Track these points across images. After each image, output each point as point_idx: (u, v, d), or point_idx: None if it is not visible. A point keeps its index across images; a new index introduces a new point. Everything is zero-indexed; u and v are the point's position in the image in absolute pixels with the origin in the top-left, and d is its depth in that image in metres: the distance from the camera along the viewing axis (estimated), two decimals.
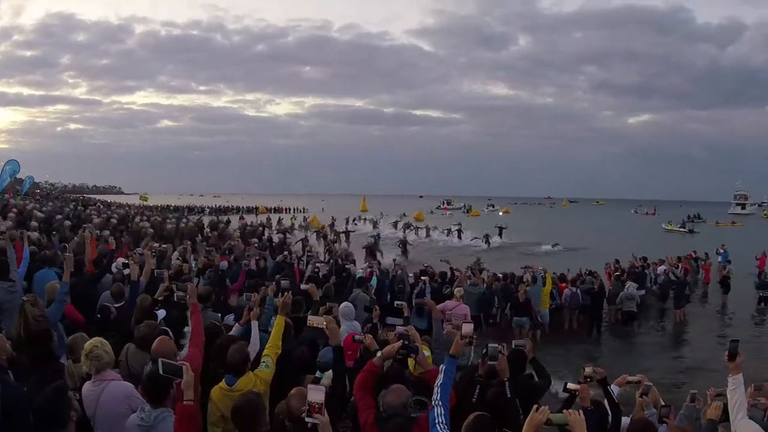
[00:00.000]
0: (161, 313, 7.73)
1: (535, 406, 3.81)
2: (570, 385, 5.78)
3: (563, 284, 18.74)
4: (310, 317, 5.92)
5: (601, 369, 5.98)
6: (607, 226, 68.17)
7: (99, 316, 7.71)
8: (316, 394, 3.71)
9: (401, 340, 5.23)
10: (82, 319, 7.66)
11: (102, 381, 4.87)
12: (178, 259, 13.68)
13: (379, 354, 5.19)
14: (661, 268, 22.30)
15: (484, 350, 5.89)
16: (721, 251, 29.32)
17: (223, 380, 5.42)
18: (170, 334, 6.43)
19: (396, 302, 9.20)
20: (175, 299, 7.19)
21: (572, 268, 21.44)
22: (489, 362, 5.76)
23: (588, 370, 5.95)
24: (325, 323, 5.56)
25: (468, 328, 5.15)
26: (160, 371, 3.95)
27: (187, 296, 6.68)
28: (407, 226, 47.53)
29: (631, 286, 18.53)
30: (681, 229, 65.40)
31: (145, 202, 68.07)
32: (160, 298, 8.33)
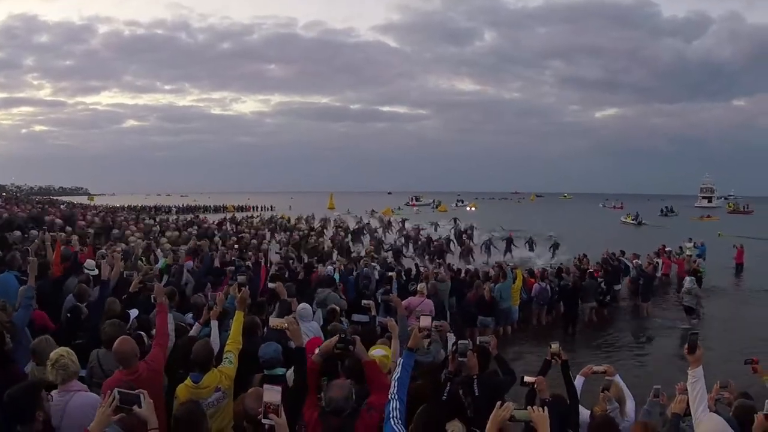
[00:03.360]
0: (134, 312, 7.79)
1: (498, 403, 3.82)
2: (527, 378, 5.78)
3: (532, 279, 18.71)
4: (271, 319, 5.90)
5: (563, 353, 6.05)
6: (577, 219, 68.48)
7: (69, 315, 7.74)
8: (271, 395, 3.71)
9: (337, 334, 5.24)
10: (53, 327, 7.56)
11: (68, 392, 4.84)
12: (141, 258, 13.70)
13: (317, 351, 5.20)
14: (635, 262, 22.26)
15: (454, 347, 5.98)
16: (698, 244, 29.46)
17: (189, 378, 5.49)
18: (144, 335, 6.63)
19: (363, 301, 9.26)
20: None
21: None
22: (459, 359, 5.82)
23: (554, 346, 6.07)
24: (286, 324, 5.46)
25: (426, 321, 5.20)
26: (117, 403, 3.72)
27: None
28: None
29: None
30: (632, 222, 66.73)
31: (92, 203, 67.40)
32: (134, 290, 8.47)
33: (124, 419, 3.80)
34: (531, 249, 36.39)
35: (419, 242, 34.26)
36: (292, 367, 5.56)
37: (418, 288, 12.46)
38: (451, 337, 7.96)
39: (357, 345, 5.04)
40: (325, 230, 36.41)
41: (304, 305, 8.96)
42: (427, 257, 30.23)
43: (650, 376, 12.25)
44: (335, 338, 5.09)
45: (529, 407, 3.82)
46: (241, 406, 4.80)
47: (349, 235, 36.19)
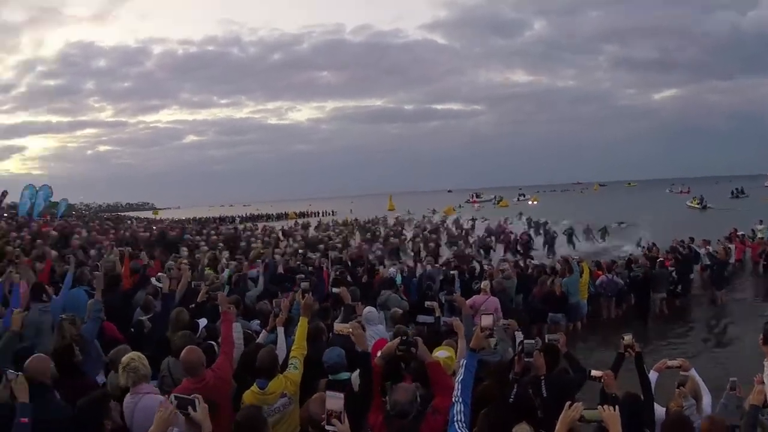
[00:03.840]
0: (202, 322, 7.87)
1: (568, 403, 3.80)
2: (594, 372, 5.73)
3: (599, 271, 18.18)
4: (336, 324, 6.01)
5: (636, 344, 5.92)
6: (644, 206, 66.44)
7: (133, 330, 7.90)
8: (334, 402, 3.73)
9: (399, 337, 5.21)
10: (122, 338, 7.68)
11: (137, 394, 5.01)
12: (207, 266, 13.85)
13: (379, 353, 5.14)
14: (706, 248, 21.67)
15: (520, 346, 5.80)
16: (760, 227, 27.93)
17: (255, 384, 5.55)
18: (215, 345, 6.64)
19: (426, 302, 9.16)
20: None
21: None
22: (525, 359, 5.63)
23: (627, 338, 5.97)
24: (350, 329, 5.58)
25: (487, 320, 5.06)
26: (174, 405, 3.82)
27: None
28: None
29: None
30: (697, 206, 64.41)
31: (156, 216, 68.47)
32: (202, 300, 8.66)
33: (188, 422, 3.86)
34: (603, 239, 35.61)
35: (501, 237, 33.53)
36: (357, 371, 5.57)
37: (481, 286, 12.31)
38: (519, 335, 7.73)
39: (419, 347, 4.98)
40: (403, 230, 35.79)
41: (370, 309, 8.94)
42: (509, 253, 29.64)
43: (727, 368, 11.65)
44: (397, 340, 5.04)
45: (599, 407, 3.78)
46: (307, 411, 4.77)
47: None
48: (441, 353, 6.17)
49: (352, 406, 4.11)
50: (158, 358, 6.42)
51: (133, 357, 5.20)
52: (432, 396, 4.89)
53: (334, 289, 9.98)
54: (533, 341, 5.91)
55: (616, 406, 3.74)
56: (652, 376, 6.07)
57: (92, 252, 15.65)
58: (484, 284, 12.43)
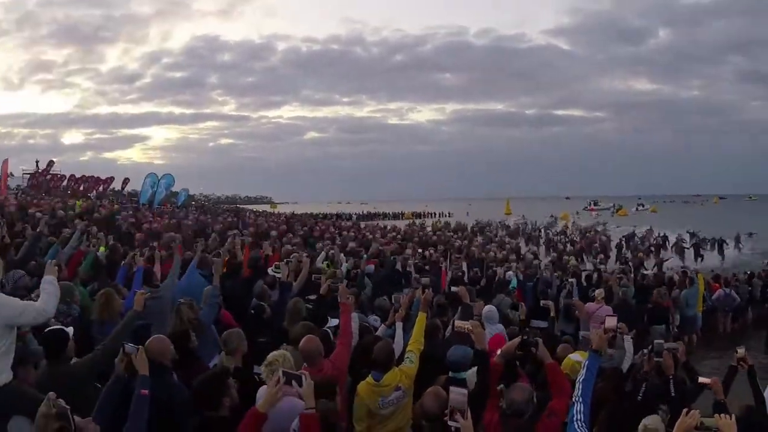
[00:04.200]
0: (333, 321, 7.59)
1: (685, 410, 3.80)
2: (701, 379, 5.73)
3: (717, 284, 17.76)
4: (457, 321, 6.05)
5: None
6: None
7: (253, 312, 8.00)
8: (458, 398, 3.71)
9: (520, 335, 5.29)
10: (238, 326, 7.67)
11: None
12: (324, 262, 13.87)
13: (498, 352, 5.16)
14: None
15: (650, 346, 5.93)
16: None
17: (370, 376, 5.51)
18: (330, 333, 6.72)
19: (542, 302, 9.01)
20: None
21: None
22: (655, 359, 5.78)
23: (740, 351, 5.89)
24: (470, 327, 5.54)
25: (611, 321, 5.38)
26: (282, 378, 4.02)
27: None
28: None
29: None
30: None
31: (273, 210, 70.04)
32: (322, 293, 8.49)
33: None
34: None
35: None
36: (472, 369, 5.65)
37: (596, 294, 11.84)
38: (629, 341, 7.65)
39: (540, 347, 4.97)
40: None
41: (490, 308, 8.85)
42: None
43: None
44: (518, 339, 5.10)
45: (716, 415, 3.81)
46: (421, 405, 4.75)
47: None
48: (574, 356, 6.21)
49: (468, 404, 4.03)
50: (273, 346, 6.36)
51: (278, 357, 5.28)
52: (548, 399, 4.85)
53: (453, 288, 9.88)
54: (662, 341, 6.01)
55: (733, 415, 3.76)
56: None
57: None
58: (598, 292, 11.97)
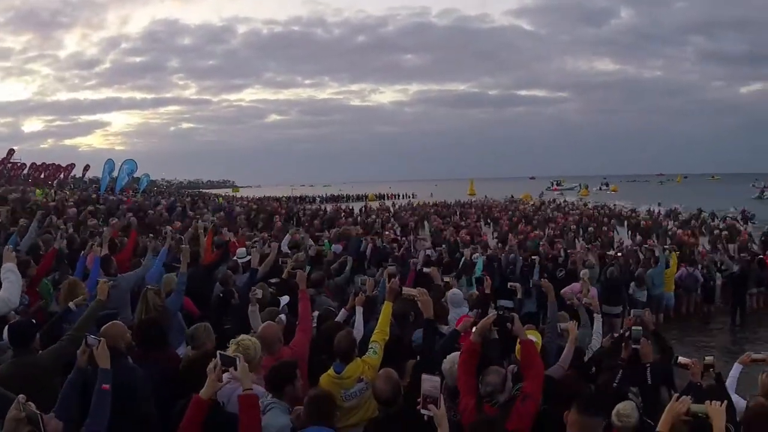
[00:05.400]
0: (284, 299, 7.83)
1: (675, 395, 3.81)
2: (681, 359, 5.72)
3: (683, 264, 17.51)
4: (404, 288, 5.97)
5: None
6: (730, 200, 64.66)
7: (221, 296, 8.03)
8: (431, 385, 3.61)
9: (496, 312, 5.18)
10: (197, 312, 7.80)
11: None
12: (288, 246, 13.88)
13: (474, 330, 5.03)
14: None
15: (627, 333, 5.92)
16: None
17: (332, 368, 5.43)
18: (288, 318, 6.70)
19: (510, 283, 9.03)
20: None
21: None
22: (632, 345, 5.70)
23: (708, 359, 5.76)
24: (417, 294, 5.49)
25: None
26: (218, 362, 4.06)
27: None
28: None
29: None
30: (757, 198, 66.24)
31: (236, 194, 69.73)
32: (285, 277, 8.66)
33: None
34: None
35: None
36: (451, 357, 5.38)
37: (581, 275, 11.87)
38: (598, 318, 7.68)
39: (516, 323, 4.85)
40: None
41: (455, 291, 8.75)
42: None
43: None
44: (493, 315, 4.94)
45: (706, 401, 3.76)
46: (372, 388, 4.82)
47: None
48: (531, 336, 5.95)
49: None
50: (239, 333, 6.29)
51: (242, 341, 5.11)
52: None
53: (425, 269, 9.88)
54: (640, 328, 5.88)
55: (723, 402, 3.71)
56: (736, 368, 6.03)
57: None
58: (584, 273, 11.86)
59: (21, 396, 3.31)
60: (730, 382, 5.79)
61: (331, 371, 5.40)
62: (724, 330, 16.08)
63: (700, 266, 17.46)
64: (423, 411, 3.58)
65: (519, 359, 5.05)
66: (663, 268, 15.67)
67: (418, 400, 3.68)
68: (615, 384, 5.58)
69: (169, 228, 12.73)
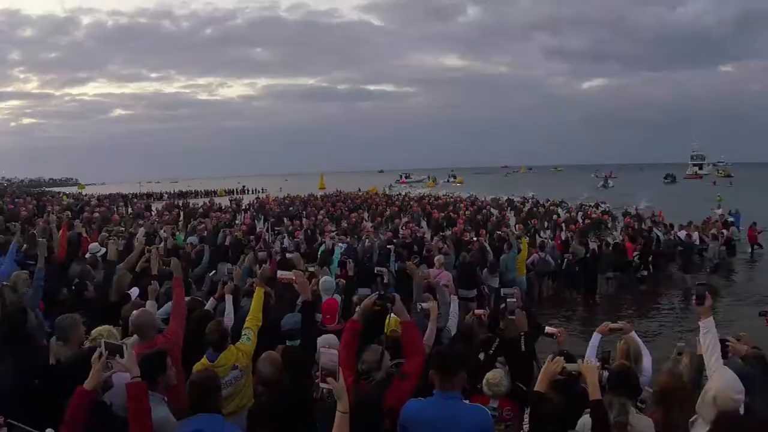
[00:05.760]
0: (134, 291, 7.81)
1: (550, 356, 3.99)
2: (548, 329, 5.99)
3: (534, 249, 18.35)
4: (279, 272, 5.85)
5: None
6: (569, 189, 68.15)
7: (74, 288, 7.87)
8: (329, 358, 3.53)
9: (376, 292, 5.25)
10: (42, 308, 7.47)
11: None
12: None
13: (357, 310, 5.10)
14: (682, 233, 22.25)
15: (503, 305, 6.13)
16: (733, 213, 30.18)
17: (205, 357, 5.41)
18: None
19: (377, 268, 9.20)
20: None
21: None
22: (509, 317, 5.98)
23: (549, 329, 6.13)
24: (293, 276, 5.47)
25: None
26: (103, 350, 3.84)
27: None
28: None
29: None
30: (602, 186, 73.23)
31: (81, 191, 67.66)
32: (137, 270, 8.61)
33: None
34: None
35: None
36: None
37: (435, 260, 12.51)
38: (455, 300, 7.90)
39: (396, 303, 4.87)
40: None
41: (327, 278, 8.87)
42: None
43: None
44: (374, 296, 4.97)
45: (579, 360, 4.08)
46: (257, 372, 4.86)
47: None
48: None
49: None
50: (93, 325, 6.01)
51: (101, 332, 5.07)
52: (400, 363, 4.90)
53: (288, 255, 9.97)
54: (515, 300, 6.11)
55: (598, 361, 4.22)
56: (595, 338, 6.09)
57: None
58: (437, 259, 12.59)
59: None
60: (590, 351, 5.82)
61: (204, 360, 5.37)
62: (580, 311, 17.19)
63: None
64: (322, 384, 3.53)
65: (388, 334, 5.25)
66: (515, 253, 16.19)
67: (317, 374, 3.66)
68: (491, 352, 5.95)
69: (17, 223, 12.15)
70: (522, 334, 5.76)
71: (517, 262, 16.24)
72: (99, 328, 5.20)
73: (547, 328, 6.02)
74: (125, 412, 4.04)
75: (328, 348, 3.75)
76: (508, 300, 6.07)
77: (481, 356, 6.16)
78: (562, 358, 3.99)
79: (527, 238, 18.77)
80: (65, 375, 4.37)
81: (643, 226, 24.30)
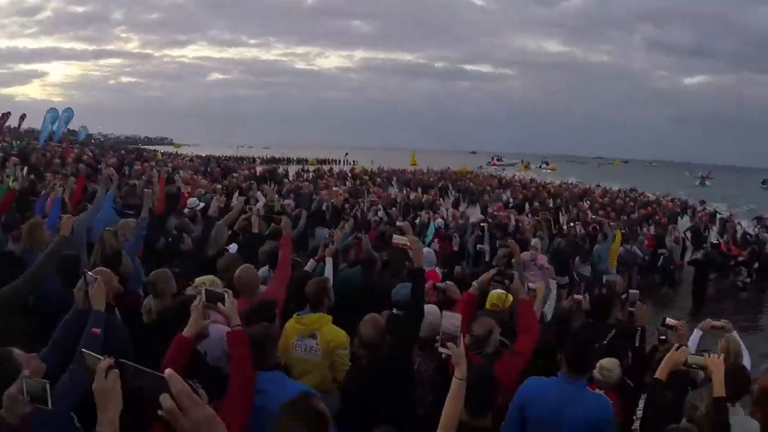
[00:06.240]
0: (233, 247, 7.90)
1: (675, 345, 3.85)
2: (669, 320, 5.62)
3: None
4: (394, 236, 5.81)
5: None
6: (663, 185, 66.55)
7: (170, 240, 8.15)
8: (451, 323, 3.42)
9: (496, 267, 5.44)
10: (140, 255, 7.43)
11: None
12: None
13: (474, 284, 5.17)
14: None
15: (625, 295, 6.18)
16: None
17: (296, 315, 5.33)
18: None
19: (478, 246, 9.10)
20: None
21: None
22: (629, 308, 5.86)
23: (670, 320, 5.74)
24: (409, 242, 5.26)
25: None
26: (204, 300, 3.72)
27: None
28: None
29: None
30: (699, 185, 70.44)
31: (177, 150, 69.64)
32: (236, 229, 8.81)
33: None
34: None
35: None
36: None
37: (531, 243, 12.21)
38: (554, 284, 8.01)
39: (515, 281, 4.97)
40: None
41: (428, 250, 8.93)
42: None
43: None
44: (493, 271, 5.10)
45: (705, 354, 3.85)
46: (359, 335, 4.75)
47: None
48: (497, 291, 5.94)
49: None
50: (189, 277, 6.00)
51: (205, 281, 4.98)
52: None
53: (398, 223, 9.96)
54: (637, 291, 6.03)
55: (722, 356, 3.82)
56: (696, 334, 6.00)
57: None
58: (535, 241, 12.35)
59: None
60: (690, 347, 5.52)
61: (296, 317, 5.29)
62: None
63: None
64: (441, 349, 3.42)
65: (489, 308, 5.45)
66: (610, 243, 15.69)
67: (437, 338, 3.52)
68: (605, 342, 5.76)
69: (110, 170, 12.38)
70: (639, 328, 5.61)
71: (610, 253, 15.67)
72: (202, 277, 5.14)
73: (667, 319, 5.65)
74: (219, 362, 4.07)
75: (452, 313, 3.61)
76: (630, 291, 6.00)
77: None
78: (687, 348, 3.91)
79: (622, 230, 18.24)
80: (163, 324, 4.37)
81: (747, 230, 23.23)
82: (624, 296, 6.18)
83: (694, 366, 3.87)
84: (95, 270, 4.34)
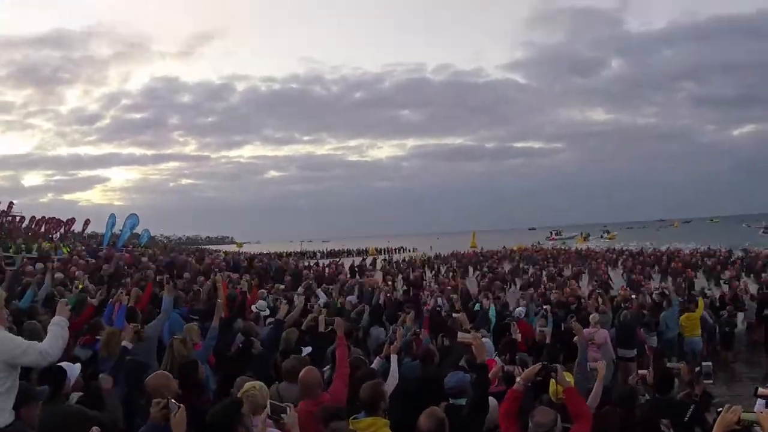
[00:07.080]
0: (307, 349, 7.91)
1: (726, 406, 3.81)
2: (761, 390, 5.27)
3: None
4: (460, 334, 6.14)
5: None
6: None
7: (241, 346, 8.09)
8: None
9: (541, 362, 5.42)
10: (212, 362, 7.68)
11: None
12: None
13: (518, 380, 5.21)
14: None
15: (698, 368, 6.11)
16: None
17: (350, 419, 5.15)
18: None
19: (538, 328, 9.05)
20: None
21: None
22: (705, 381, 5.97)
23: (762, 390, 5.45)
24: (472, 339, 5.52)
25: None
26: (269, 413, 4.14)
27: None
28: None
29: None
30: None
31: (239, 249, 70.50)
32: (303, 328, 8.81)
33: None
34: None
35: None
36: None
37: (590, 318, 12.09)
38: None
39: (559, 373, 5.12)
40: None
41: (486, 340, 8.64)
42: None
43: None
44: (538, 365, 5.21)
45: (756, 410, 4.04)
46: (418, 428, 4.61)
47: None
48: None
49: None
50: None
51: (254, 385, 5.10)
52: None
53: (455, 315, 10.01)
54: (710, 363, 6.10)
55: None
56: (760, 402, 5.70)
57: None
58: (593, 317, 12.17)
59: None
60: (757, 407, 5.47)
61: (351, 418, 5.08)
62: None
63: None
64: None
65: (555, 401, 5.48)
66: (676, 310, 15.25)
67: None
68: (686, 418, 5.76)
69: (166, 277, 12.80)
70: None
71: (690, 320, 15.19)
72: (251, 382, 5.21)
73: (760, 388, 5.29)
74: None
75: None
76: (703, 363, 5.99)
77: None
78: (740, 407, 3.80)
79: (705, 298, 17.76)
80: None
81: None
82: (697, 369, 6.13)
83: (746, 422, 3.81)
84: (149, 378, 4.88)
